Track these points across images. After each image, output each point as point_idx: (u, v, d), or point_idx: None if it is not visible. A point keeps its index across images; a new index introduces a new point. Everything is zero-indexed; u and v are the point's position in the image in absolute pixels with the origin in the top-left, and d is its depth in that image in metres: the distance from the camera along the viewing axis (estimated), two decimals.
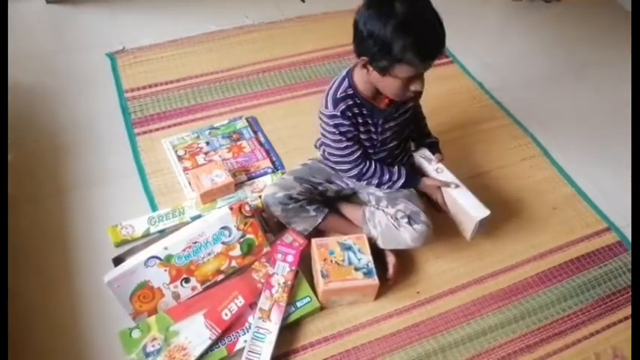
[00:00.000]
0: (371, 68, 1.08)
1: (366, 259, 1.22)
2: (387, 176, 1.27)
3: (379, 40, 1.01)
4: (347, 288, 1.19)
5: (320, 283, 1.19)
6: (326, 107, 1.19)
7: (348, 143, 1.21)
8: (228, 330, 1.14)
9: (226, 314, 1.15)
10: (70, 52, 1.84)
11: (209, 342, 1.11)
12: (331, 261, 1.21)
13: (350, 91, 1.18)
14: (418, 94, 1.19)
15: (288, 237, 1.29)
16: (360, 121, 1.21)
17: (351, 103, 1.17)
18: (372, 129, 1.23)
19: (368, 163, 1.26)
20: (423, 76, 1.10)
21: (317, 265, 1.21)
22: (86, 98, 1.69)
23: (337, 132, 1.19)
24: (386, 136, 1.26)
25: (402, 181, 1.27)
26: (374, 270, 1.20)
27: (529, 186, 1.57)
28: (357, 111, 1.19)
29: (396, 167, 1.29)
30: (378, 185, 1.28)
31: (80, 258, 1.29)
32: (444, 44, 1.03)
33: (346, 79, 1.19)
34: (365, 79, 1.15)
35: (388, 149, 1.31)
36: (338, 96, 1.17)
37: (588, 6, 2.32)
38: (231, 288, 1.20)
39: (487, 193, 1.53)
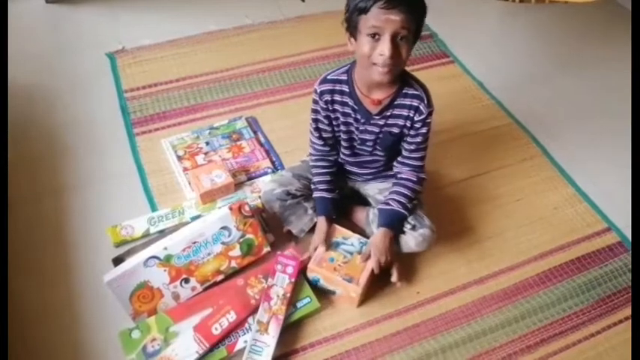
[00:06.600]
0: (352, 39, 1.08)
1: (354, 238, 1.25)
2: (316, 178, 1.29)
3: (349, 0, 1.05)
4: (369, 273, 1.20)
5: (350, 290, 1.18)
6: (317, 82, 1.22)
7: (313, 125, 1.27)
8: (216, 345, 1.12)
9: (216, 329, 1.13)
10: (69, 52, 1.84)
11: (196, 356, 1.09)
12: (339, 265, 1.20)
13: (343, 77, 1.18)
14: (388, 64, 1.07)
15: (289, 251, 1.28)
16: (340, 109, 1.21)
17: (337, 88, 1.19)
18: (354, 123, 1.22)
19: (318, 153, 1.29)
20: (390, 41, 1.01)
21: (334, 280, 1.19)
22: (86, 98, 1.69)
23: (312, 107, 1.25)
24: (365, 138, 1.24)
25: (316, 196, 1.29)
26: (366, 241, 1.24)
27: (529, 186, 1.57)
28: (338, 98, 1.20)
29: (326, 190, 1.29)
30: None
31: (80, 258, 1.29)
32: None
33: (347, 67, 1.20)
34: (360, 72, 1.14)
35: (366, 160, 1.30)
36: (329, 77, 1.20)
37: (588, 5, 2.31)
38: (224, 302, 1.17)
39: (487, 193, 1.53)
